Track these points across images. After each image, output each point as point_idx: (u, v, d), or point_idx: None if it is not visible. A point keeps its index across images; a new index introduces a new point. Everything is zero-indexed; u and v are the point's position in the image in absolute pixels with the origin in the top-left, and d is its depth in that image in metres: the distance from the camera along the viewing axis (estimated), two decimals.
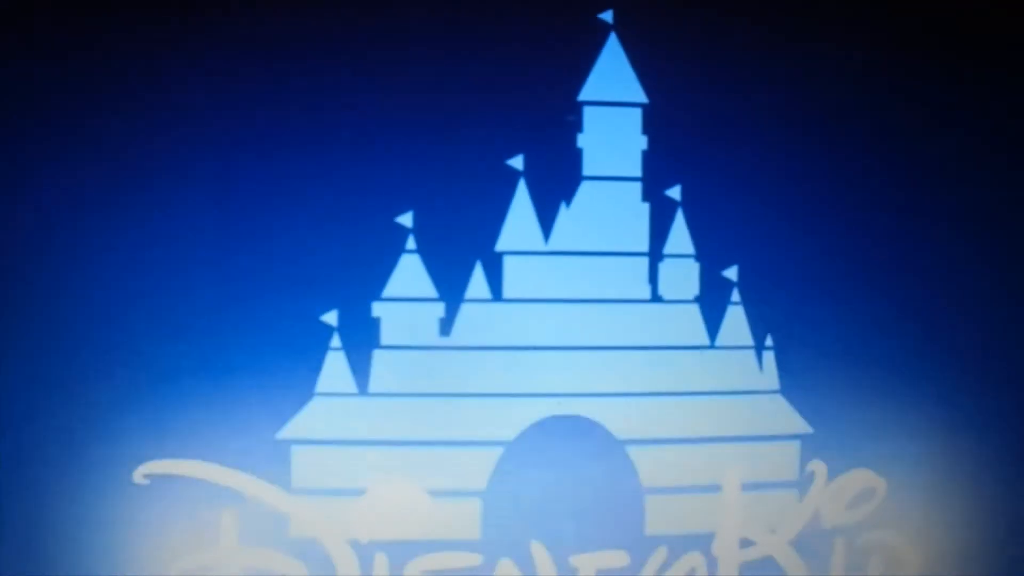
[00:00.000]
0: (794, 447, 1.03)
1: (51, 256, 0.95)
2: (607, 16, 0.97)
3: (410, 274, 0.97)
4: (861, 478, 1.04)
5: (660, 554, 1.02)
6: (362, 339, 0.98)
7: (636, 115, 0.98)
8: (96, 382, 0.97)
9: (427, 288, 0.97)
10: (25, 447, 0.98)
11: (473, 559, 1.00)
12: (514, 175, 0.97)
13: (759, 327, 1.01)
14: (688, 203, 0.99)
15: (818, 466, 1.03)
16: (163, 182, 0.95)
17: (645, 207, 0.99)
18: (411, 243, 0.97)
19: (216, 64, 0.95)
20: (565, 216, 0.98)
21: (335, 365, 0.98)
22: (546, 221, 0.98)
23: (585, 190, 0.98)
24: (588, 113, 0.98)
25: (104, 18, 0.95)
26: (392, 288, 0.97)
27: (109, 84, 0.95)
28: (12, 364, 0.97)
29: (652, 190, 0.99)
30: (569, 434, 1.00)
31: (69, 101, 0.95)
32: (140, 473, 0.98)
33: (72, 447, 0.98)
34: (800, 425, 1.03)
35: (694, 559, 1.03)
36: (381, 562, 1.00)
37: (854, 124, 1.00)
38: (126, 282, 0.96)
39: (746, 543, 1.03)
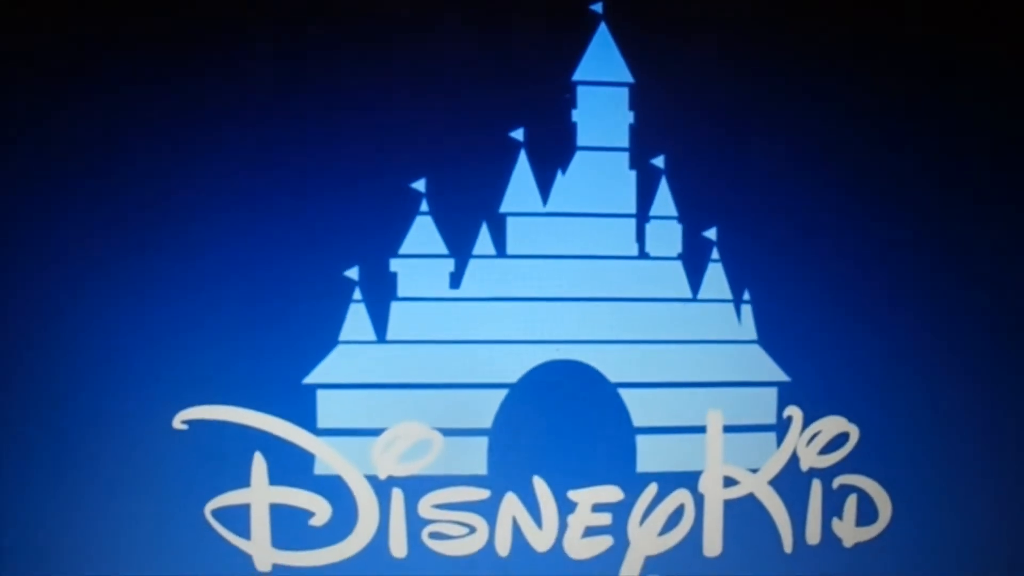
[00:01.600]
0: (772, 393, 1.12)
1: (96, 212, 1.06)
2: (598, 8, 1.09)
3: (423, 234, 1.08)
4: (835, 424, 1.14)
5: (651, 490, 1.11)
6: (381, 292, 1.08)
7: (623, 93, 1.09)
8: (138, 335, 1.07)
9: (439, 246, 1.08)
10: (66, 396, 1.07)
11: (481, 493, 1.10)
12: (516, 146, 1.08)
13: (737, 283, 1.12)
14: (671, 170, 1.10)
15: (794, 412, 1.13)
16: (202, 150, 1.06)
17: (632, 174, 1.10)
18: (424, 206, 1.08)
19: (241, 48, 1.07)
20: (561, 182, 1.09)
21: (356, 316, 1.08)
22: (544, 186, 1.09)
23: (579, 159, 1.09)
24: (581, 92, 1.09)
25: None
26: (407, 246, 1.08)
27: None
28: (54, 317, 1.07)
29: (638, 159, 1.10)
30: (566, 377, 1.10)
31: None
32: (179, 419, 1.09)
33: (113, 396, 1.07)
34: (777, 373, 1.12)
35: (682, 495, 1.11)
36: (397, 497, 1.09)
37: (827, 98, 1.10)
38: (167, 241, 1.06)
39: (729, 482, 1.13)
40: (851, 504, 1.14)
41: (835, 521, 1.14)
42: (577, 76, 1.09)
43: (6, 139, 1.06)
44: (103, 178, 1.05)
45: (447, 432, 1.09)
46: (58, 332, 1.06)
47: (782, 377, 1.12)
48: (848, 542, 1.14)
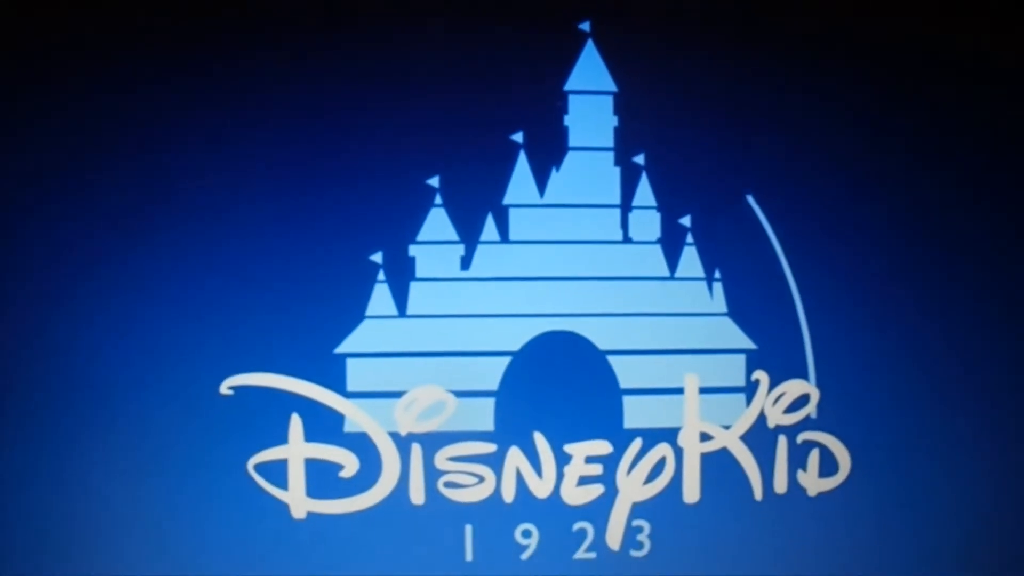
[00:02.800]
0: (741, 359, 1.28)
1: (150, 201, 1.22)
2: (585, 26, 1.26)
3: (438, 223, 1.24)
4: (798, 387, 1.29)
5: (636, 444, 1.27)
6: (401, 273, 1.24)
7: (608, 101, 1.26)
8: (190, 311, 1.22)
9: (451, 233, 1.25)
10: (125, 364, 1.22)
11: (488, 447, 1.26)
12: (516, 147, 1.25)
13: (709, 263, 1.28)
14: (650, 167, 1.26)
15: (761, 375, 1.29)
16: (248, 145, 1.22)
17: (617, 170, 1.26)
18: (438, 199, 1.24)
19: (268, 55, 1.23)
20: (555, 178, 1.26)
21: (381, 294, 1.25)
22: (541, 182, 1.25)
23: (571, 158, 1.26)
24: (572, 100, 1.26)
25: None
26: (424, 234, 1.24)
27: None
28: (119, 295, 1.22)
29: (622, 157, 1.26)
30: (562, 346, 1.26)
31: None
32: (226, 385, 1.25)
33: (166, 364, 1.22)
34: (745, 342, 1.28)
35: (664, 449, 1.27)
36: (416, 451, 1.25)
37: (790, 98, 1.27)
38: (218, 231, 1.22)
39: (705, 437, 1.28)
40: (814, 457, 1.29)
41: (800, 472, 1.29)
42: (568, 86, 1.26)
43: (71, 125, 1.21)
44: (158, 170, 1.21)
45: (459, 394, 1.25)
46: (119, 308, 1.22)
47: (750, 345, 1.28)
48: (812, 491, 1.29)
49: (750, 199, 1.27)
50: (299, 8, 1.22)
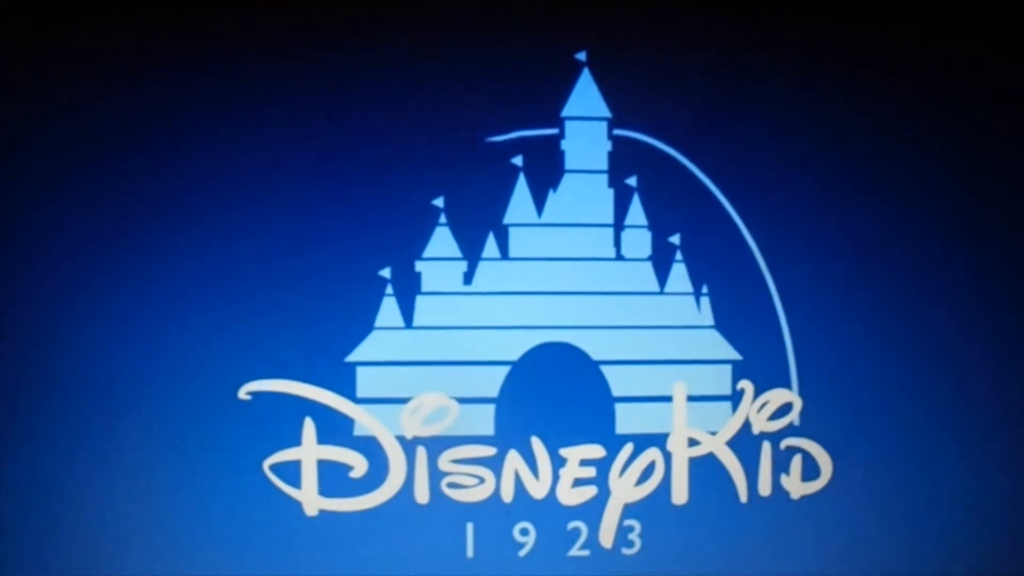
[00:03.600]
0: (727, 370, 1.36)
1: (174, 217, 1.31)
2: (581, 56, 1.35)
3: (442, 241, 1.33)
4: (781, 395, 1.37)
5: (628, 448, 1.35)
6: (408, 287, 1.33)
7: (603, 126, 1.35)
8: (211, 321, 1.31)
9: (454, 250, 1.33)
10: (149, 371, 1.31)
11: (489, 450, 1.34)
12: (516, 170, 1.34)
13: (697, 279, 1.35)
14: (642, 189, 1.35)
15: (746, 385, 1.36)
16: (269, 167, 1.31)
17: (610, 192, 1.35)
18: (443, 219, 1.33)
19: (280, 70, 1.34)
20: (552, 198, 1.34)
21: (389, 307, 1.33)
22: (539, 202, 1.34)
23: (567, 180, 1.34)
24: (568, 125, 1.34)
25: None
26: (430, 250, 1.33)
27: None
28: (141, 304, 1.31)
29: (615, 180, 1.35)
30: (558, 356, 1.35)
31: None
32: (244, 391, 1.34)
33: (187, 370, 1.31)
34: (731, 353, 1.36)
35: (654, 454, 1.35)
36: (421, 454, 1.33)
37: (775, 120, 1.35)
38: (238, 247, 1.30)
39: (693, 442, 1.36)
40: (796, 462, 1.37)
41: (783, 476, 1.37)
42: (565, 112, 1.35)
43: (86, 136, 1.30)
44: (182, 183, 1.30)
45: (461, 400, 1.33)
46: (140, 314, 1.31)
47: (735, 356, 1.36)
48: (795, 495, 1.37)
49: (736, 218, 1.35)
50: (311, 34, 1.32)
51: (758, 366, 1.36)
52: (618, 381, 1.34)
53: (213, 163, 1.30)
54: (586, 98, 1.35)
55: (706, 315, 1.35)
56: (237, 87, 1.30)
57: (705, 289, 1.35)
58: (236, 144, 1.30)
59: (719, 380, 1.36)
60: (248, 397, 1.32)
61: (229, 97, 1.30)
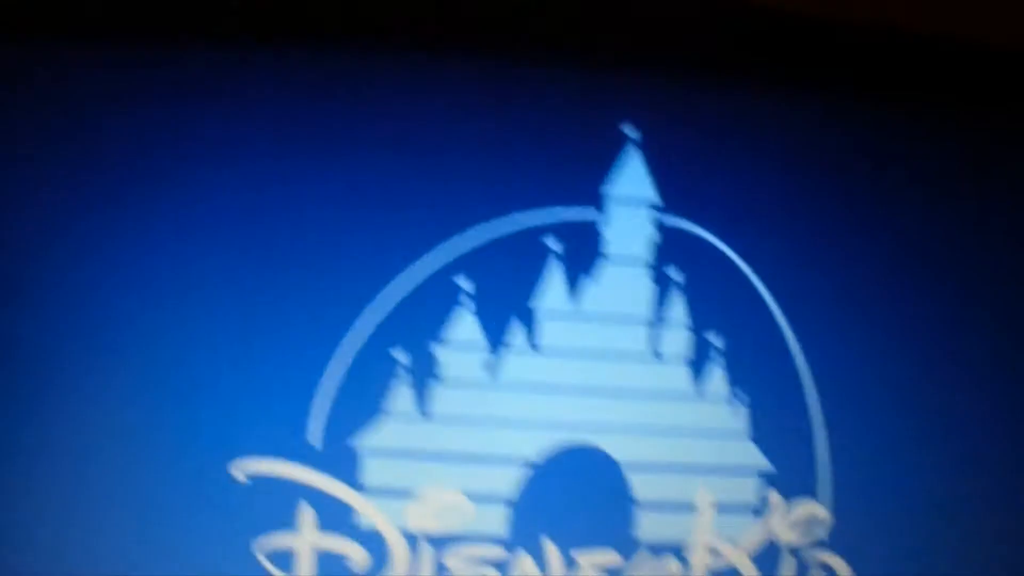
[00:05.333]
0: (755, 479, 1.29)
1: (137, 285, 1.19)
2: (629, 128, 1.24)
3: (464, 324, 1.23)
4: (809, 508, 1.30)
5: (644, 555, 1.28)
6: (424, 372, 1.23)
7: (647, 210, 1.24)
8: (208, 390, 1.20)
9: (477, 336, 1.23)
10: (134, 436, 1.19)
11: (499, 551, 1.25)
12: (549, 251, 1.23)
13: (733, 383, 1.27)
14: (684, 282, 1.25)
15: (774, 496, 1.30)
16: (274, 230, 1.20)
17: (650, 282, 1.25)
18: (466, 300, 1.23)
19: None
20: (587, 286, 1.25)
21: (400, 391, 1.23)
22: (572, 289, 1.24)
23: (604, 266, 1.24)
24: (609, 205, 1.24)
25: None
26: (450, 334, 1.23)
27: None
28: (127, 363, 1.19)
29: (656, 269, 1.25)
30: (580, 456, 1.26)
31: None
32: (237, 468, 1.24)
33: (172, 441, 1.19)
34: (761, 461, 1.29)
35: (672, 562, 1.28)
36: (426, 550, 1.25)
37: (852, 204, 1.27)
38: (238, 315, 1.19)
39: (714, 553, 1.29)
40: None
41: None
42: (606, 191, 1.24)
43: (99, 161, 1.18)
44: (178, 244, 1.20)
45: (474, 497, 1.24)
46: (130, 380, 1.19)
47: (765, 465, 1.28)
48: None
49: (780, 321, 1.26)
50: (330, 93, 1.19)
51: (788, 476, 1.28)
52: (641, 485, 1.26)
53: (220, 226, 1.18)
54: (631, 176, 1.24)
55: (739, 421, 1.27)
56: (255, 144, 1.18)
57: (740, 394, 1.27)
58: (248, 205, 1.18)
59: (746, 489, 1.28)
60: (242, 476, 1.22)
61: (234, 174, 1.18)
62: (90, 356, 1.18)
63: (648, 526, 1.26)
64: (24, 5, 1.15)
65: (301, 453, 1.22)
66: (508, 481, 1.24)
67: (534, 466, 1.24)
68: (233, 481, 1.21)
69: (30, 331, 1.17)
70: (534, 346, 1.24)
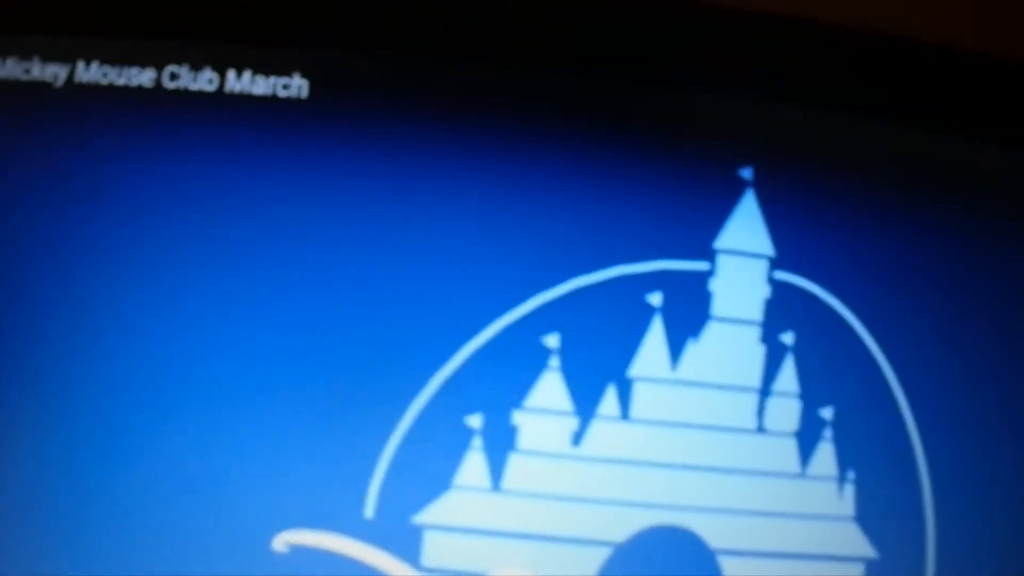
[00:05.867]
0: (860, 567, 1.16)
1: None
2: (747, 173, 1.09)
3: (550, 389, 1.08)
4: None
5: None
6: (501, 442, 1.08)
7: (763, 265, 1.10)
8: (251, 453, 1.05)
9: (564, 403, 1.08)
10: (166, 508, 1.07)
11: None
12: (652, 310, 1.09)
13: (843, 461, 1.14)
14: (797, 348, 1.11)
15: None
16: (345, 273, 1.05)
17: (762, 348, 1.11)
18: (554, 362, 1.08)
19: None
20: (692, 350, 1.10)
21: (474, 462, 1.08)
22: (675, 353, 1.09)
23: (712, 329, 1.10)
24: (721, 260, 1.09)
25: None
26: (532, 400, 1.08)
27: None
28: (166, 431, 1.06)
29: (768, 333, 1.11)
30: (669, 540, 1.12)
31: None
32: (285, 542, 1.09)
33: (216, 512, 1.05)
34: (867, 549, 1.16)
35: None
36: None
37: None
38: (294, 379, 1.05)
39: None
40: None
41: None
42: (718, 244, 1.09)
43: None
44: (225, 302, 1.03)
45: None
46: (171, 443, 1.04)
47: (871, 553, 1.16)
48: None
49: (898, 395, 1.13)
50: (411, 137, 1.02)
51: (894, 564, 1.16)
52: (735, 574, 1.13)
53: (288, 278, 1.02)
54: (747, 228, 1.08)
55: (846, 504, 1.14)
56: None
57: (850, 473, 1.14)
58: (316, 255, 1.02)
59: None
60: (285, 549, 1.06)
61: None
62: (137, 408, 1.02)
63: None
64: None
65: (356, 526, 1.07)
66: (588, 565, 1.09)
67: (617, 548, 1.10)
68: (278, 555, 1.06)
69: (87, 390, 1.02)
70: (625, 415, 1.09)
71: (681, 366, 1.09)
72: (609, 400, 1.09)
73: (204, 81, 1.04)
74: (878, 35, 1.12)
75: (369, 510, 1.06)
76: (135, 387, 1.04)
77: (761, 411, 1.11)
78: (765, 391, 1.11)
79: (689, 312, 1.08)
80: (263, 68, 1.03)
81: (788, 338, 1.10)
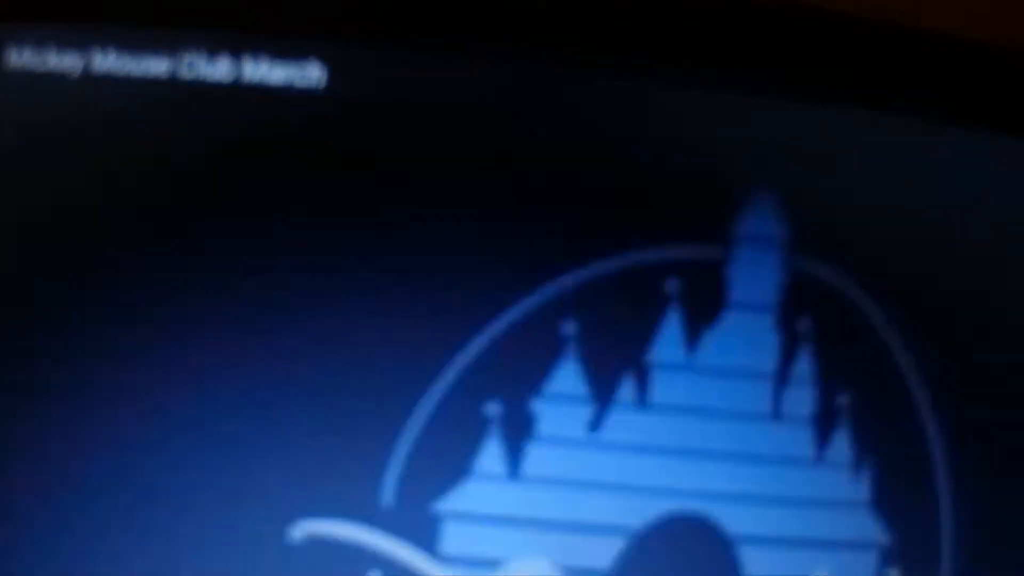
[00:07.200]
0: (874, 553, 1.16)
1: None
2: (760, 161, 1.08)
3: (568, 376, 1.08)
4: None
5: None
6: (519, 430, 1.08)
7: (778, 252, 1.10)
8: (276, 445, 1.05)
9: (582, 390, 1.08)
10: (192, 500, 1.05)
11: None
12: (667, 298, 1.08)
13: (860, 446, 1.14)
14: (813, 335, 1.11)
15: (894, 573, 1.18)
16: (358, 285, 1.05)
17: (776, 336, 1.11)
18: (572, 349, 1.08)
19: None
20: (708, 337, 1.10)
21: (491, 449, 1.09)
22: (691, 340, 1.09)
23: (727, 316, 1.10)
24: (738, 246, 1.09)
25: None
26: (551, 387, 1.08)
27: None
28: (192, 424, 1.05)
29: (784, 321, 1.11)
30: (686, 526, 1.12)
31: None
32: (301, 532, 1.08)
33: (234, 501, 1.05)
34: (881, 535, 1.16)
35: None
36: None
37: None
38: (310, 368, 1.04)
39: None
40: None
41: None
42: (735, 230, 1.09)
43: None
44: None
45: (567, 570, 1.10)
46: (186, 434, 1.04)
47: (885, 539, 1.16)
48: None
49: (914, 379, 1.13)
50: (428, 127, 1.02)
51: (909, 550, 1.16)
52: (751, 560, 1.12)
53: (299, 268, 1.01)
54: (763, 213, 1.09)
55: (862, 490, 1.14)
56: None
57: (865, 459, 1.14)
58: (331, 240, 1.01)
59: (864, 564, 1.15)
60: (302, 538, 1.06)
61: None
62: (153, 398, 1.01)
63: None
64: None
65: (373, 515, 1.06)
66: (606, 552, 1.10)
67: (635, 536, 1.11)
68: (294, 545, 1.06)
69: (103, 381, 1.01)
70: (642, 402, 1.09)
71: (698, 352, 1.09)
72: (627, 387, 1.09)
73: (222, 70, 1.05)
74: (880, 24, 1.12)
75: (387, 499, 1.07)
76: (151, 376, 1.03)
77: (778, 397, 1.11)
78: (782, 377, 1.11)
79: (706, 298, 1.09)
80: (280, 56, 1.03)
81: (804, 324, 1.10)
